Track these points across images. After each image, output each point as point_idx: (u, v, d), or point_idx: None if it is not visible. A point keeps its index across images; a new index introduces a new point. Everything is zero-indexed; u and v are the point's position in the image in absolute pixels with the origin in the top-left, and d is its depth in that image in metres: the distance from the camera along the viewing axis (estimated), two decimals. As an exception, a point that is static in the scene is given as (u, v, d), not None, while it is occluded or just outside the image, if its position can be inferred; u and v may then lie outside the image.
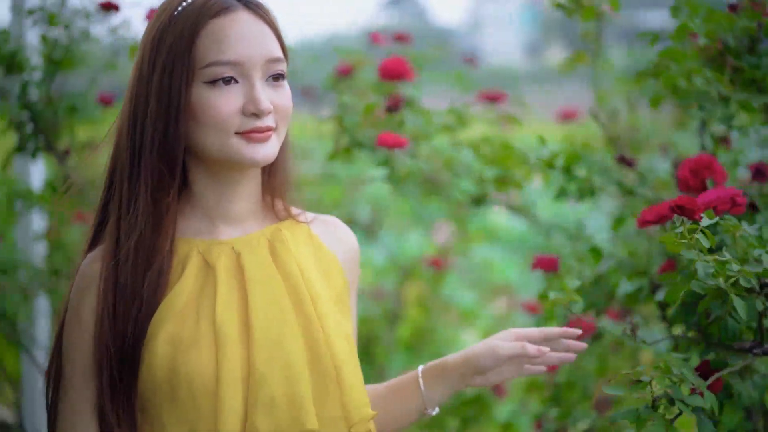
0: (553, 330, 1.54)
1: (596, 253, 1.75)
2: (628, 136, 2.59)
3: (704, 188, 1.66)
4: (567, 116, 2.79)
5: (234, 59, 1.41)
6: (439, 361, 1.59)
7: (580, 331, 1.53)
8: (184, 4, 1.44)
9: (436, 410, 1.59)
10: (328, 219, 1.61)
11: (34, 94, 2.86)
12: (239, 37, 1.42)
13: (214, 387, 1.39)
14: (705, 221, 1.44)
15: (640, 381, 1.44)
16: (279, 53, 1.46)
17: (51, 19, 2.81)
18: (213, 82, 1.42)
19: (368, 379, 1.57)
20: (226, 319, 1.42)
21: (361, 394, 1.48)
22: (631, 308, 1.96)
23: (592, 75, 2.05)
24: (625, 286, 1.80)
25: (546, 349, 1.50)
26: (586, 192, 1.97)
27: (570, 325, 1.68)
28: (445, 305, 4.35)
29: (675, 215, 1.44)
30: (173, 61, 1.41)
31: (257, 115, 1.42)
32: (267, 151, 1.44)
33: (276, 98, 1.45)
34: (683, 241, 1.42)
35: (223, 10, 1.43)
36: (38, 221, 3.29)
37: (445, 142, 2.40)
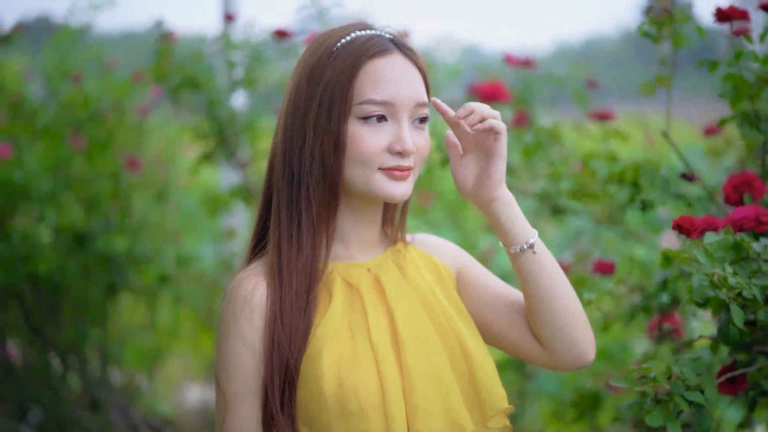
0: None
1: (666, 258, 1.88)
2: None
3: (742, 203, 1.78)
4: (711, 131, 2.89)
5: (387, 99, 1.50)
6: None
7: (467, 113, 1.50)
8: (343, 41, 1.53)
9: (526, 244, 1.55)
10: (422, 236, 1.73)
11: (220, 109, 3.29)
12: (394, 78, 1.51)
13: (380, 400, 1.47)
14: (709, 237, 1.59)
15: (644, 377, 1.59)
16: (425, 98, 1.54)
17: (230, 44, 3.23)
18: (366, 119, 1.50)
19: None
20: (380, 335, 1.52)
21: (496, 390, 1.55)
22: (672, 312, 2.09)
23: (667, 97, 2.17)
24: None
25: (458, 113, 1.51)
26: (648, 204, 2.13)
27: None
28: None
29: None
30: (331, 95, 1.50)
31: (402, 154, 1.51)
32: (405, 189, 1.54)
33: (418, 140, 1.54)
34: (684, 255, 1.56)
35: (382, 51, 1.52)
36: (226, 220, 3.75)
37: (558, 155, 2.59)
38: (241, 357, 1.52)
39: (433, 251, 1.69)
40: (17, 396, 3.73)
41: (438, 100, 1.52)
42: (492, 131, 1.51)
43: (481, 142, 1.54)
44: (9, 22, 3.68)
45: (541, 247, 1.56)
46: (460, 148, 1.57)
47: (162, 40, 3.19)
